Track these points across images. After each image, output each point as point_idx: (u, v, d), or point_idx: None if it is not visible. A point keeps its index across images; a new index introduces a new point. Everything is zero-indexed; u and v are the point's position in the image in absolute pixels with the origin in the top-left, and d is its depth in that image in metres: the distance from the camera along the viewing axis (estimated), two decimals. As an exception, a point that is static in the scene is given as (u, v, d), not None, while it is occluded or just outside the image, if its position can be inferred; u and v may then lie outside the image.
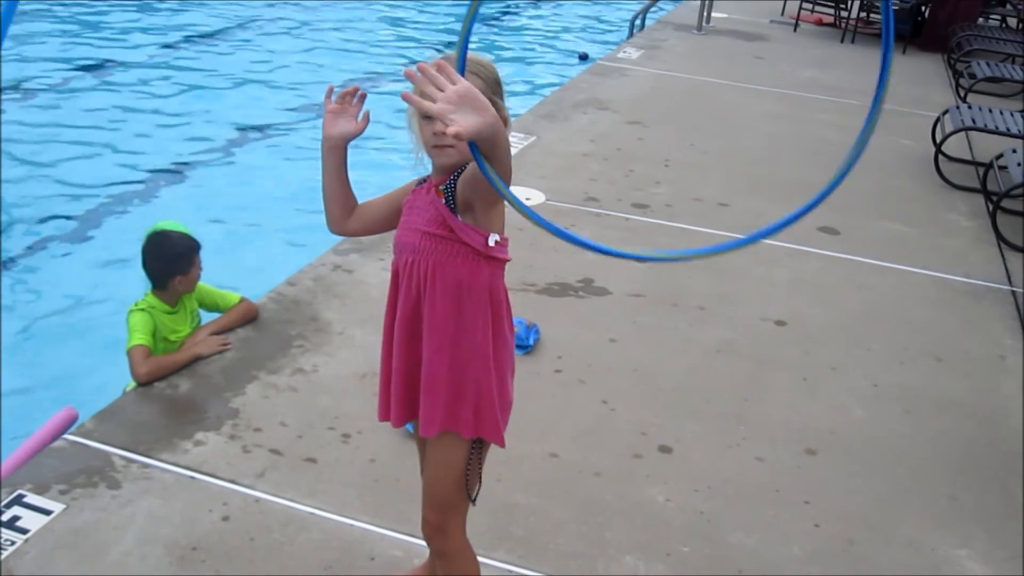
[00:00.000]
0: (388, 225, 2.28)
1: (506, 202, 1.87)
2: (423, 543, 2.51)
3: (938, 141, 7.08)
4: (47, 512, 2.91)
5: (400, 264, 2.17)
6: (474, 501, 2.33)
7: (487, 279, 2.10)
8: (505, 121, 2.12)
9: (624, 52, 10.28)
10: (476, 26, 1.77)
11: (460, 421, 2.18)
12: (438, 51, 11.45)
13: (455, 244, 2.07)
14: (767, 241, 5.38)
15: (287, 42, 11.68)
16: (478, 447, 2.24)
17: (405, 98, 1.76)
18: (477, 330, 2.12)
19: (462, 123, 1.65)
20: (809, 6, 12.71)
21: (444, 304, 2.10)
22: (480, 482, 2.30)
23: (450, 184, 2.07)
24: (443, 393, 2.16)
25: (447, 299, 2.10)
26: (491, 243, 2.06)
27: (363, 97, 2.20)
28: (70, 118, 8.41)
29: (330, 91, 2.18)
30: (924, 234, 5.91)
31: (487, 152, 1.76)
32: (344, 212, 2.27)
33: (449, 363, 2.14)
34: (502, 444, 2.23)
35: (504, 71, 2.17)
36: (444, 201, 2.08)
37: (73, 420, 3.50)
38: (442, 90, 1.67)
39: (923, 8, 12.33)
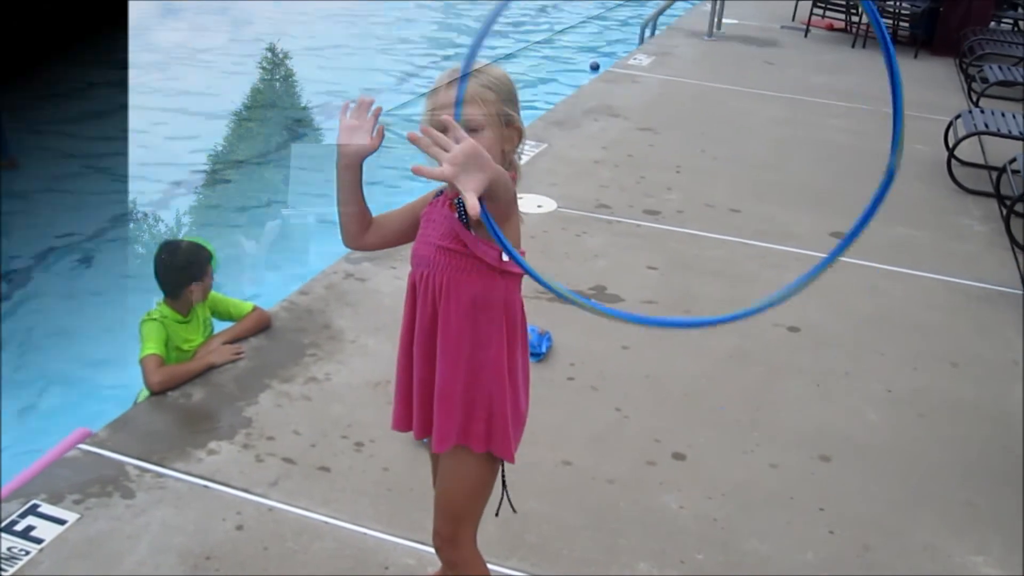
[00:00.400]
0: (406, 238, 2.25)
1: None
2: (437, 551, 2.52)
3: (950, 145, 7.06)
4: (61, 522, 2.92)
5: (416, 277, 2.15)
6: (497, 514, 2.33)
7: (502, 294, 2.08)
8: (519, 132, 2.10)
9: (635, 59, 10.29)
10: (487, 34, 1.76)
11: (472, 435, 2.17)
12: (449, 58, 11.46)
13: (469, 259, 2.04)
14: (778, 247, 5.44)
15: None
16: (494, 459, 2.24)
17: (417, 172, 1.71)
18: (491, 346, 2.10)
19: (469, 185, 1.66)
20: (820, 11, 12.69)
21: (459, 319, 2.08)
22: (505, 491, 2.31)
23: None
24: (457, 408, 2.14)
25: (461, 314, 2.07)
26: (505, 258, 2.02)
27: (378, 112, 2.15)
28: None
29: (346, 107, 2.14)
30: (937, 239, 5.89)
31: (490, 194, 1.74)
32: (360, 228, 2.24)
33: (464, 378, 2.12)
34: (512, 460, 2.22)
35: (514, 79, 2.16)
36: (457, 215, 2.05)
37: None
38: (447, 151, 1.66)
39: (940, 12, 12.27)
